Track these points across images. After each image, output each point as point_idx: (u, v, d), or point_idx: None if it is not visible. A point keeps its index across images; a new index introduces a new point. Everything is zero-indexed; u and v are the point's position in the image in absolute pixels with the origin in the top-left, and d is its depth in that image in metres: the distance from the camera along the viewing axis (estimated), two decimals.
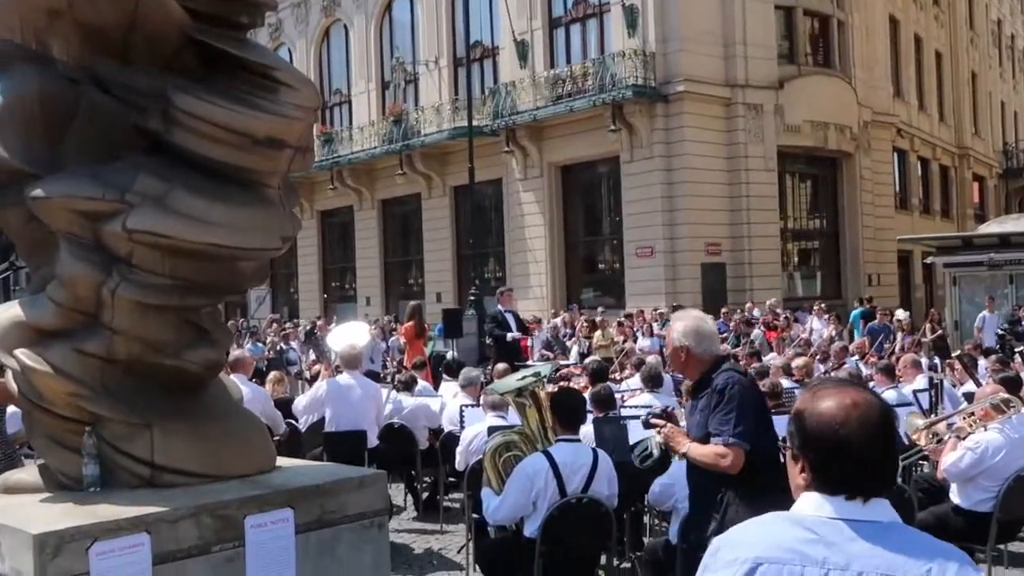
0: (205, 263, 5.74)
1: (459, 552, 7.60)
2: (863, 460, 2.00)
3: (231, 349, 16.63)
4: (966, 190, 38.99)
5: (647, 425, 4.59)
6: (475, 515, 6.84)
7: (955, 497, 6.14)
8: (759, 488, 3.90)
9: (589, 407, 7.55)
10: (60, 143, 5.61)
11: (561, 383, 11.06)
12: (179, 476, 5.53)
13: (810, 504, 2.04)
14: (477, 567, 6.67)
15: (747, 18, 25.41)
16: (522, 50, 27.28)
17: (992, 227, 23.64)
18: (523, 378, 5.86)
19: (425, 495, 9.57)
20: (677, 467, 5.52)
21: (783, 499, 2.21)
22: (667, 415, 4.60)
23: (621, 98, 24.23)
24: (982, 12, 42.07)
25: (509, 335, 13.76)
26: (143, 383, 5.61)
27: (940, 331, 15.02)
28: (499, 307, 14.38)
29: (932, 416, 7.45)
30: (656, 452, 4.99)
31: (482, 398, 7.58)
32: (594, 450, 5.53)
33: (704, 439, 4.15)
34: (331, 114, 35.86)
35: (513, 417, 6.78)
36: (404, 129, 30.50)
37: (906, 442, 6.95)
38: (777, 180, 26.20)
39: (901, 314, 18.70)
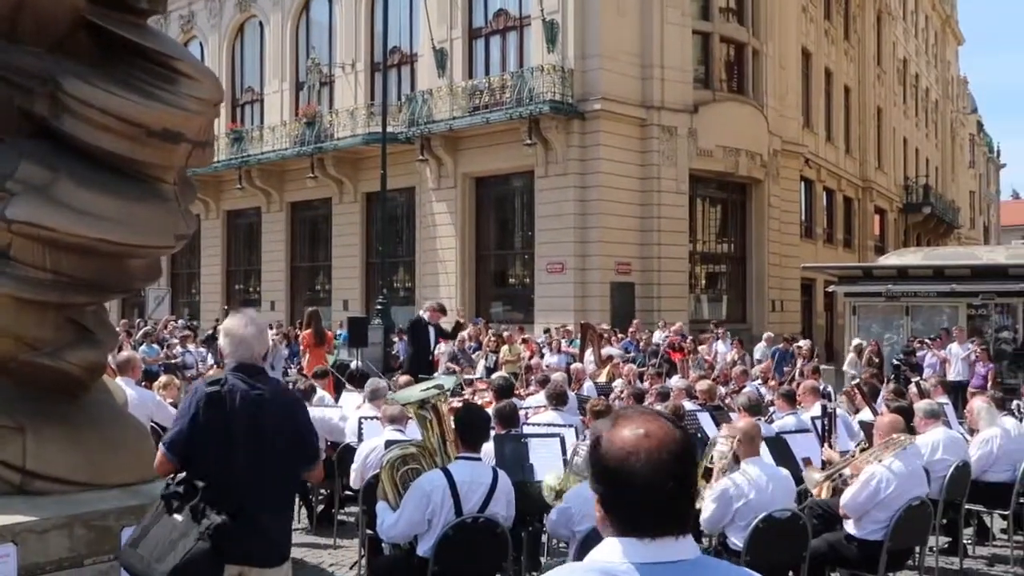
0: (90, 259, 5.44)
1: (351, 568, 7.36)
2: (651, 496, 1.84)
3: (123, 349, 16.04)
4: (868, 222, 40.21)
5: None
6: (369, 531, 6.64)
7: (848, 526, 6.17)
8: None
9: (492, 423, 7.41)
10: None
11: (466, 398, 10.91)
12: (53, 483, 5.22)
13: (605, 551, 1.89)
14: None
15: (665, 41, 25.74)
16: (441, 59, 27.15)
17: (891, 259, 24.35)
18: (426, 390, 5.68)
19: (320, 508, 9.29)
20: (574, 492, 5.41)
21: None
22: None
23: (538, 112, 24.27)
24: (889, 50, 43.53)
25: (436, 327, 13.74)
26: (17, 384, 5.28)
27: (872, 370, 15.22)
28: (424, 316, 14.19)
29: (825, 447, 7.51)
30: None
31: (380, 411, 7.36)
32: (494, 469, 5.38)
33: None
34: (242, 112, 35.15)
35: (412, 432, 6.60)
36: (317, 131, 30.04)
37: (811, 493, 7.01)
38: (688, 203, 26.55)
39: (803, 342, 19.08)
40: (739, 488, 5.62)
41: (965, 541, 8.54)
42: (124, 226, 5.35)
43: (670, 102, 25.86)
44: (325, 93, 31.68)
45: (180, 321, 25.26)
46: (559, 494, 5.95)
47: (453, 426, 5.45)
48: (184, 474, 3.96)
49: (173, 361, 17.07)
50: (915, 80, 50.35)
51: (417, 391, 5.71)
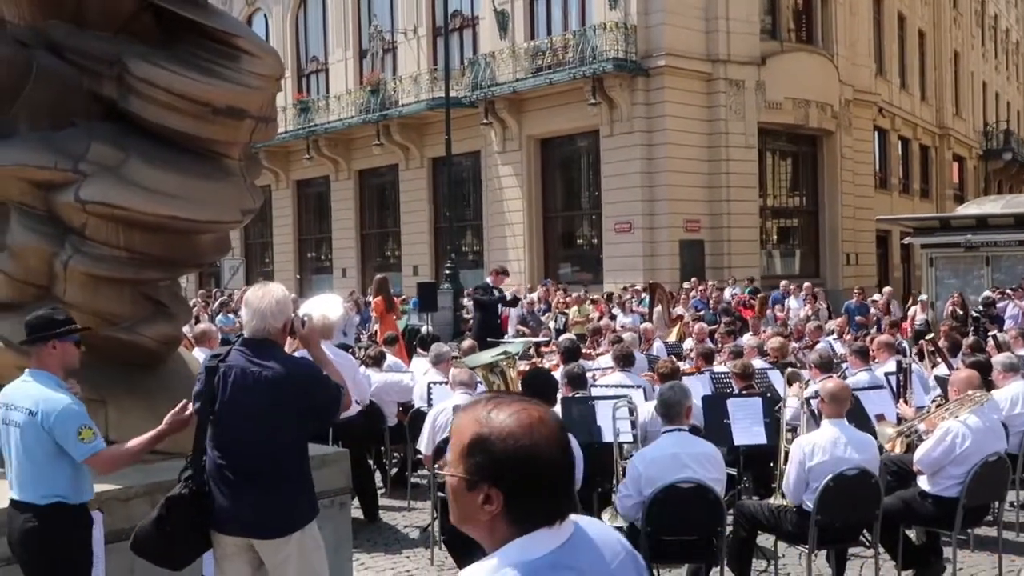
0: (161, 236, 5.58)
1: (425, 530, 7.50)
2: (556, 474, 1.78)
3: (199, 320, 16.43)
4: (946, 171, 39.05)
5: None
6: (440, 494, 6.75)
7: (922, 483, 6.09)
8: None
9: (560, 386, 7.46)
10: (11, 109, 5.42)
11: (534, 360, 10.98)
12: None
13: (516, 553, 1.77)
14: (442, 546, 6.58)
15: None
16: (502, 20, 26.96)
17: (970, 208, 23.66)
18: (496, 355, 5.76)
19: (394, 471, 9.47)
20: (638, 455, 5.43)
21: None
22: None
23: (601, 71, 24.01)
24: None
25: (498, 297, 13.72)
26: (98, 358, 5.47)
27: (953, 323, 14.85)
28: (490, 281, 14.25)
29: (900, 403, 7.40)
30: None
31: (449, 375, 7.45)
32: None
33: None
34: (307, 82, 35.42)
35: None
36: (381, 99, 30.16)
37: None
38: (757, 157, 26.10)
39: (878, 296, 18.68)
40: (813, 451, 5.57)
41: None
42: (192, 203, 5.48)
43: (736, 55, 25.35)
44: (388, 60, 31.73)
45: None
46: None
47: (521, 390, 5.50)
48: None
49: None
50: (994, 21, 48.50)
51: (487, 355, 5.78)
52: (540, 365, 9.54)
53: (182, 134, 5.54)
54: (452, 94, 24.34)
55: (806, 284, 20.61)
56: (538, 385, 5.37)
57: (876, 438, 6.92)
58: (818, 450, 5.54)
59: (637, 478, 5.28)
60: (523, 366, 9.30)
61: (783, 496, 5.77)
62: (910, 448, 6.60)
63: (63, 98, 5.50)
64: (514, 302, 15.14)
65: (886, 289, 21.12)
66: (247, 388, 4.00)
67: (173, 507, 4.01)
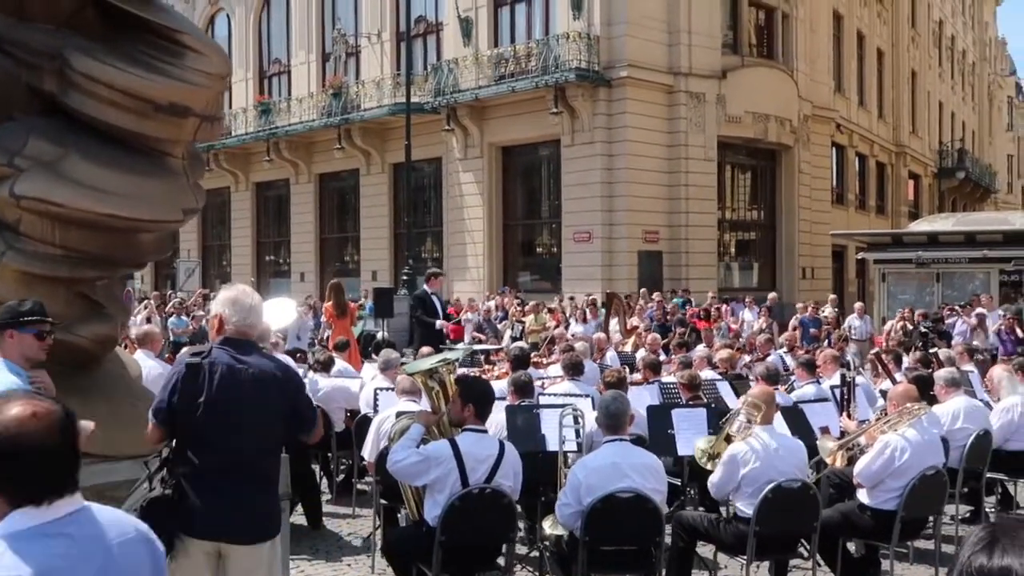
0: (99, 233, 5.48)
1: (368, 538, 7.43)
2: (46, 464, 2.11)
3: (150, 321, 16.20)
4: (901, 187, 39.61)
5: None
6: (384, 501, 6.69)
7: (861, 496, 6.13)
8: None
9: (505, 394, 7.43)
10: None
11: (485, 368, 10.94)
12: None
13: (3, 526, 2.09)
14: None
15: (693, 5, 25.41)
16: (466, 27, 26.96)
17: (922, 225, 24.03)
18: (435, 362, 5.71)
19: (340, 477, 9.38)
20: (579, 463, 5.41)
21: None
22: None
23: (564, 80, 24.09)
24: (924, 12, 42.69)
25: (438, 323, 13.51)
26: None
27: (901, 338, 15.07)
28: (426, 288, 14.09)
29: (843, 416, 7.46)
30: None
31: (395, 383, 7.39)
32: (501, 442, 5.40)
33: None
34: (269, 84, 35.16)
35: (427, 403, 6.61)
36: (344, 102, 30.02)
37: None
38: (716, 170, 26.29)
39: (828, 310, 18.93)
40: (748, 454, 5.60)
41: (988, 509, 8.47)
42: (132, 201, 5.38)
43: (698, 68, 25.56)
44: (352, 64, 31.59)
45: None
46: (712, 457, 6.02)
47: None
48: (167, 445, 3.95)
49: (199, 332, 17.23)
50: (951, 42, 49.34)
51: (426, 362, 5.73)
52: (490, 372, 9.50)
53: (123, 131, 5.44)
54: (415, 100, 24.26)
55: (771, 295, 20.84)
56: (474, 394, 5.32)
57: (818, 452, 6.99)
58: (755, 455, 5.56)
59: (577, 487, 5.26)
60: (474, 373, 9.27)
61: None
62: (851, 461, 6.65)
63: (1, 92, 5.39)
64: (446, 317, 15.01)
65: (831, 297, 21.40)
66: (236, 386, 3.89)
67: (152, 508, 3.77)
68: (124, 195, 5.36)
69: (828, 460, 6.70)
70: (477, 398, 5.28)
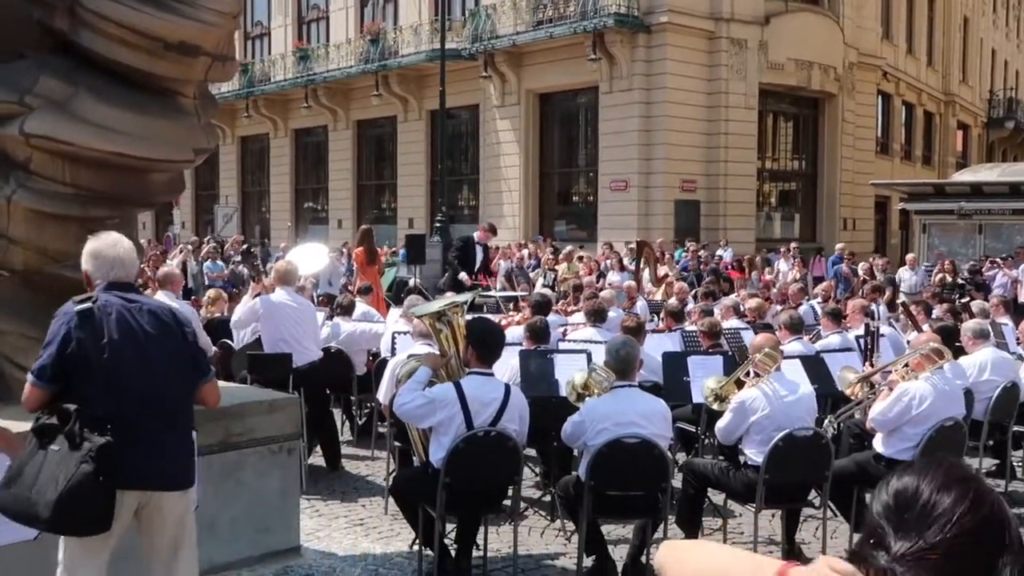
0: (109, 173, 5.49)
1: (385, 479, 7.48)
2: None
3: (187, 266, 16.35)
4: (950, 138, 38.70)
5: None
6: (398, 443, 6.73)
7: (877, 445, 6.04)
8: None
9: (520, 340, 7.41)
10: None
11: (511, 314, 10.92)
12: None
13: None
14: None
15: None
16: None
17: (965, 176, 23.47)
18: (444, 304, 5.69)
19: (363, 421, 9.46)
20: (590, 405, 5.38)
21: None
22: None
23: (602, 26, 23.73)
24: None
25: (461, 275, 13.56)
26: (43, 296, 5.40)
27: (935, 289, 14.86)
28: (475, 236, 14.16)
29: (866, 365, 7.34)
30: None
31: (411, 326, 7.39)
32: (506, 385, 5.37)
33: None
34: (307, 30, 35.03)
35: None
36: (381, 49, 29.85)
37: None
38: (757, 119, 25.85)
39: (864, 262, 18.64)
40: (757, 401, 5.54)
41: (1015, 463, 8.33)
42: (142, 140, 5.38)
43: (740, 13, 25.01)
44: (390, 9, 31.35)
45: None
46: (719, 398, 5.96)
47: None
48: (57, 404, 3.56)
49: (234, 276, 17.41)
50: None
51: (435, 305, 5.72)
52: (511, 318, 9.48)
53: (134, 70, 5.42)
54: (452, 46, 24.05)
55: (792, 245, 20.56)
56: (484, 337, 5.30)
57: (839, 404, 6.90)
58: (761, 402, 5.50)
59: (582, 422, 5.27)
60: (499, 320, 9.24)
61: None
62: (873, 392, 6.55)
63: (13, 30, 5.38)
64: (484, 269, 15.05)
65: (838, 245, 21.07)
66: (137, 324, 3.64)
67: (106, 459, 3.43)
68: (134, 135, 5.35)
69: (847, 392, 6.60)
70: (477, 339, 5.26)
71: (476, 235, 14.24)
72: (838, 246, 20.88)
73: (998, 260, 17.23)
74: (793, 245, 20.86)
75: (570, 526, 6.03)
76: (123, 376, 3.57)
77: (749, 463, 5.61)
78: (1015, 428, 7.92)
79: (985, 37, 43.14)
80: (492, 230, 14.42)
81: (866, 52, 29.29)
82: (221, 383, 6.60)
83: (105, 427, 3.48)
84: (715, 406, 5.98)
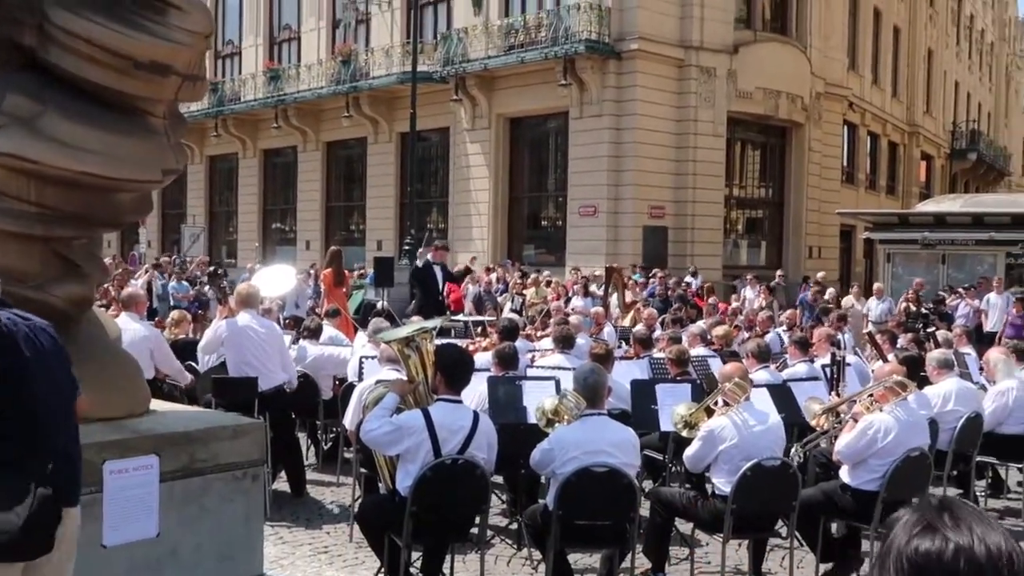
0: (76, 192, 5.41)
1: (350, 506, 7.40)
2: None
3: (152, 286, 16.15)
4: (913, 168, 39.26)
5: None
6: (364, 470, 6.66)
7: (844, 475, 6.06)
8: None
9: (488, 366, 7.38)
10: None
11: (478, 339, 10.89)
12: None
13: None
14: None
15: None
16: None
17: (928, 206, 23.81)
18: (412, 330, 5.65)
19: (328, 446, 9.36)
20: (559, 433, 5.36)
21: None
22: None
23: (573, 52, 23.88)
24: None
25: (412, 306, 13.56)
26: None
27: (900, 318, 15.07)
28: (429, 258, 14.04)
29: (832, 395, 7.38)
30: None
31: (378, 351, 7.35)
32: (475, 412, 5.34)
33: None
34: (279, 50, 34.95)
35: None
36: (352, 70, 29.84)
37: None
38: (725, 146, 26.07)
39: (829, 290, 18.81)
40: (726, 430, 5.55)
41: (978, 494, 8.41)
42: (110, 160, 5.31)
43: (709, 42, 25.28)
44: (361, 31, 31.38)
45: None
46: (688, 425, 5.92)
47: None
48: None
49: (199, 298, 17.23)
50: (969, 21, 48.73)
51: (403, 330, 5.68)
52: (478, 344, 9.45)
53: (103, 88, 5.35)
54: (423, 69, 24.08)
55: (778, 273, 20.73)
56: (452, 363, 5.27)
57: (805, 433, 6.93)
58: (730, 432, 5.51)
59: (551, 450, 5.25)
60: (466, 345, 9.20)
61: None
62: (839, 422, 6.58)
63: None
64: (462, 276, 14.96)
65: (819, 274, 21.31)
66: (37, 341, 3.43)
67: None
68: (102, 154, 5.28)
69: (813, 423, 6.63)
70: (446, 366, 5.23)
71: (429, 256, 14.09)
72: (819, 274, 21.07)
73: (960, 290, 17.47)
74: (779, 273, 21.05)
75: (537, 555, 5.99)
76: (41, 396, 3.34)
77: (717, 492, 5.61)
78: (979, 458, 8.00)
79: (949, 70, 43.93)
80: (444, 247, 14.33)
81: (833, 82, 29.70)
82: (186, 407, 6.52)
83: (42, 448, 3.27)
84: (684, 433, 5.98)
